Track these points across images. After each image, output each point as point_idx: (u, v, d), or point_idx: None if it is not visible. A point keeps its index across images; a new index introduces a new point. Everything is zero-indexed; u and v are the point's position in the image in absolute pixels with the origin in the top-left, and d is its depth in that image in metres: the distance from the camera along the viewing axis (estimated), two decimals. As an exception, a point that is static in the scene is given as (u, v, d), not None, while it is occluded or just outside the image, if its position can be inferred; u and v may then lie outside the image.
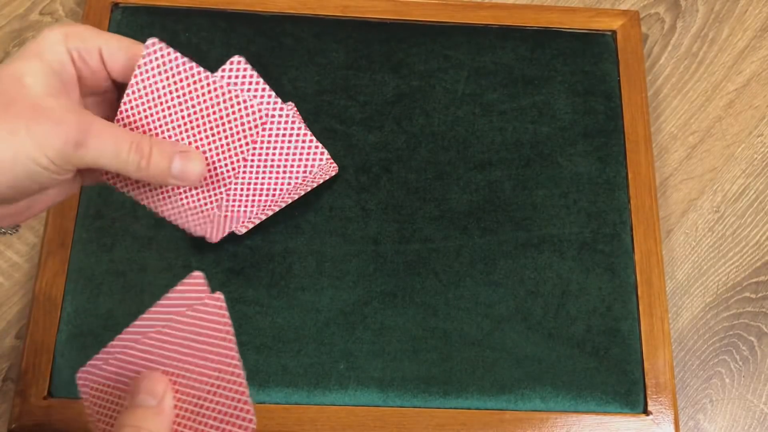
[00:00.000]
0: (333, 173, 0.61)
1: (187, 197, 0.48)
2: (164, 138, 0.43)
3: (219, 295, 0.39)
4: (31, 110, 0.34)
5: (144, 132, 0.43)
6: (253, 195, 0.55)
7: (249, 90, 0.50)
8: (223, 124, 0.46)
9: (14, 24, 0.69)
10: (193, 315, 0.38)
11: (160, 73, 0.43)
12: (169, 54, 0.43)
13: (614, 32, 0.69)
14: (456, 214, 0.61)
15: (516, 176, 0.63)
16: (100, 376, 0.39)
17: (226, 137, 0.46)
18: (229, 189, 0.49)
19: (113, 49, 0.39)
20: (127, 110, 0.43)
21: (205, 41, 0.66)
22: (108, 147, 0.36)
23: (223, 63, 0.65)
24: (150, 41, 0.42)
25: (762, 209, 0.66)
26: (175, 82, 0.43)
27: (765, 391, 0.60)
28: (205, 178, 0.47)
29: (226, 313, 0.38)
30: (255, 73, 0.50)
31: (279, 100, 0.51)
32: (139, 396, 0.34)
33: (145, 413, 0.33)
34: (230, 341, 0.37)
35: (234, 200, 0.52)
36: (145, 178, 0.39)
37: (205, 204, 0.49)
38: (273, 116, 0.51)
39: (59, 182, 0.37)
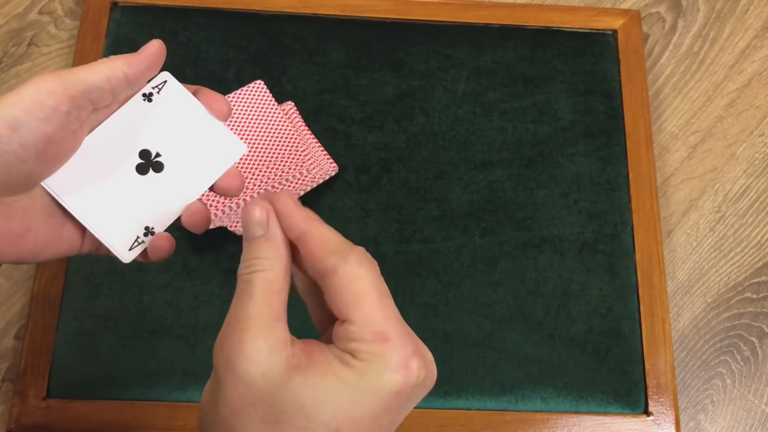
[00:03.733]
0: (333, 173, 0.61)
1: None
2: None
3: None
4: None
5: None
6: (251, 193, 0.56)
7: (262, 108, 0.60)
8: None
9: (13, 23, 0.68)
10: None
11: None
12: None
13: (615, 32, 0.68)
14: (456, 214, 0.61)
15: (517, 176, 0.63)
16: None
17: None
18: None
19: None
20: None
21: (204, 40, 0.66)
22: (93, 65, 0.35)
23: (223, 62, 0.65)
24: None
25: (763, 209, 0.65)
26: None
27: (766, 392, 0.60)
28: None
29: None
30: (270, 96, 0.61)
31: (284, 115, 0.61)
32: (248, 230, 0.33)
33: (258, 244, 0.33)
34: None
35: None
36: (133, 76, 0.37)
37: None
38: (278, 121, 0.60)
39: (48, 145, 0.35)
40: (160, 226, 0.39)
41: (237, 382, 0.29)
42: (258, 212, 0.33)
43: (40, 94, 0.33)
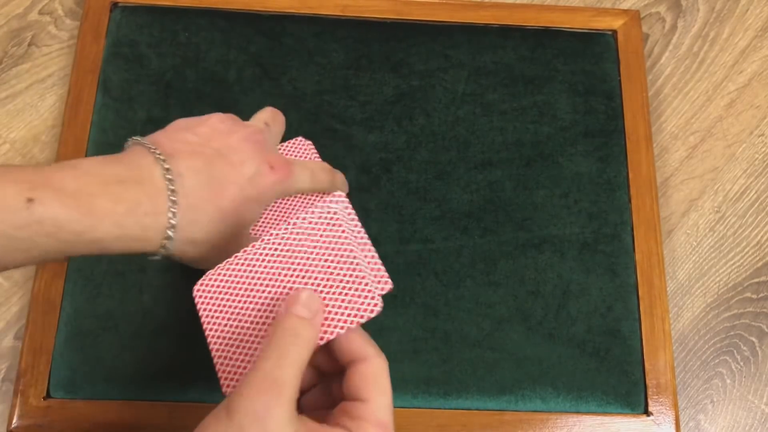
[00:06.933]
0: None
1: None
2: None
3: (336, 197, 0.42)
4: None
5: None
6: None
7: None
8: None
9: (13, 24, 0.68)
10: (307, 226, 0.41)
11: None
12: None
13: (615, 32, 0.68)
14: (456, 214, 0.61)
15: (516, 176, 0.63)
16: (220, 293, 0.41)
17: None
18: None
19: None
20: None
21: (204, 41, 0.66)
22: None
23: (223, 63, 0.65)
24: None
25: (763, 209, 0.65)
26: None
27: (766, 392, 0.60)
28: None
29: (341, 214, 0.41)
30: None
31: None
32: (296, 306, 0.36)
33: (302, 322, 0.36)
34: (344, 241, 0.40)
35: None
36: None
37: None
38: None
39: None
40: None
41: None
42: (313, 300, 0.37)
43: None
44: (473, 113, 0.65)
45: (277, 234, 0.40)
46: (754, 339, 0.61)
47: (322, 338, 0.37)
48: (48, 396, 0.55)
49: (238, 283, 0.40)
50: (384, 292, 0.39)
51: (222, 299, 0.40)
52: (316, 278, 0.39)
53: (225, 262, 0.41)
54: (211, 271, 0.41)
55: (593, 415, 0.56)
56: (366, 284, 0.39)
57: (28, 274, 0.60)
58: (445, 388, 0.57)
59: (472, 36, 0.68)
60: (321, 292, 0.38)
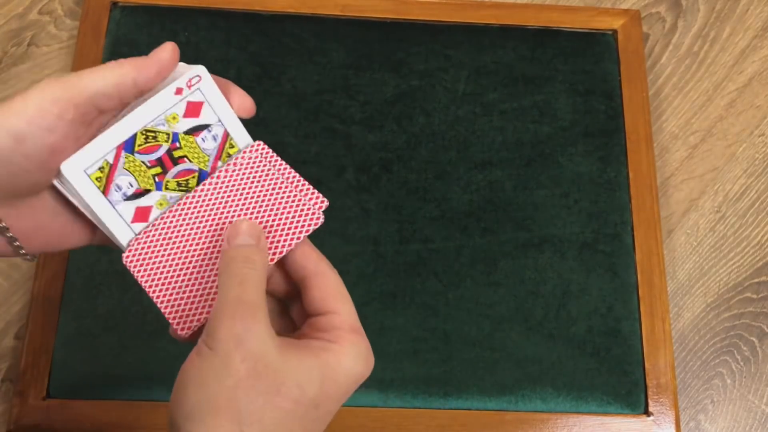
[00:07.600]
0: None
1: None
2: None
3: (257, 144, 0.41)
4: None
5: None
6: None
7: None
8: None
9: (13, 23, 0.68)
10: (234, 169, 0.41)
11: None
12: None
13: (615, 32, 0.68)
14: (456, 214, 0.61)
15: (516, 176, 0.63)
16: (153, 252, 0.39)
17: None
18: None
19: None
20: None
21: (204, 41, 0.66)
22: (100, 71, 0.34)
23: (223, 62, 0.65)
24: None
25: (763, 209, 0.65)
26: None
27: (766, 392, 0.60)
28: None
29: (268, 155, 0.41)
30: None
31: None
32: (239, 237, 0.36)
33: (250, 248, 0.36)
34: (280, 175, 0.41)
35: None
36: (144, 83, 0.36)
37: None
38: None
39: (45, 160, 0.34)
40: None
41: (245, 356, 0.32)
42: (251, 226, 0.37)
43: (44, 102, 0.32)
44: (473, 113, 0.65)
45: (201, 188, 0.39)
46: (754, 339, 0.61)
47: (272, 259, 0.38)
48: (48, 396, 0.55)
49: (171, 236, 0.39)
50: (323, 209, 0.41)
51: (157, 257, 0.39)
52: (251, 210, 0.39)
53: (150, 225, 0.39)
54: (138, 237, 0.38)
55: (593, 415, 0.56)
56: (301, 201, 0.40)
57: (29, 274, 0.60)
58: (445, 388, 0.57)
59: (472, 36, 0.68)
60: (258, 218, 0.39)
